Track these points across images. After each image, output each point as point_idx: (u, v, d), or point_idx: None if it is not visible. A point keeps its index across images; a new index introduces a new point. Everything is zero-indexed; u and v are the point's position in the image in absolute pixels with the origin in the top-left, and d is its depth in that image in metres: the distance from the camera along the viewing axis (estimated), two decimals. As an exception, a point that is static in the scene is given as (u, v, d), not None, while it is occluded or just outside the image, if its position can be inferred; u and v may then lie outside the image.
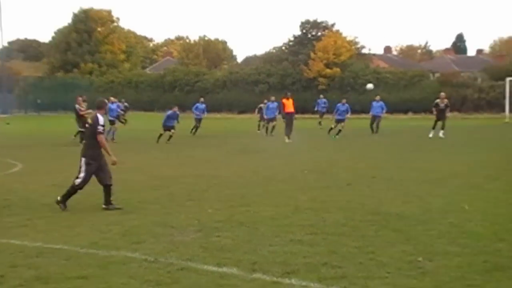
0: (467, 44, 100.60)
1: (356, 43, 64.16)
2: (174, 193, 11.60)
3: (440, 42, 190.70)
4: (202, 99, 31.62)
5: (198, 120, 30.35)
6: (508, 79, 44.65)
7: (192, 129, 29.75)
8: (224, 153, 20.50)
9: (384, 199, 10.81)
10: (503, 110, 44.39)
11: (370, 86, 31.95)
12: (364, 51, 66.15)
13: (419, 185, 12.51)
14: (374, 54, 70.59)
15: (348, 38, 62.68)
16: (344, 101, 29.92)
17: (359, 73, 58.54)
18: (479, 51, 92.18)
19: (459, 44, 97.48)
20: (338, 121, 28.60)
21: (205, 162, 17.62)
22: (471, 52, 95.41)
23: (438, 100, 27.52)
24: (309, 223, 8.70)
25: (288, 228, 8.40)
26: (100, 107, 10.47)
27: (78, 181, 10.04)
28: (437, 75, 61.44)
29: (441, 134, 26.43)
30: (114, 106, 27.11)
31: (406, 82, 57.76)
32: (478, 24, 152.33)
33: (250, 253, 7.07)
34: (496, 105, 50.09)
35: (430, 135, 26.62)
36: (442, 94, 28.26)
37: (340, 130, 27.89)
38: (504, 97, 44.61)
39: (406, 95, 54.68)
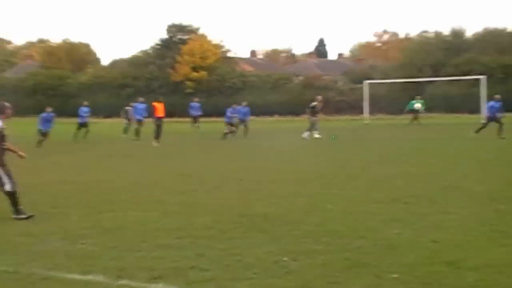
0: (328, 48, 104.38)
1: (222, 46, 64.77)
2: (37, 201, 11.13)
3: (303, 46, 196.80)
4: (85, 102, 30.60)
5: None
6: (366, 82, 46.81)
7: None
8: (91, 158, 20.00)
9: (251, 200, 10.96)
10: (363, 112, 46.42)
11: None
12: (230, 54, 66.92)
13: (285, 186, 12.80)
14: (240, 58, 71.60)
15: (214, 42, 63.12)
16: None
17: (226, 76, 59.17)
18: (340, 55, 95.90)
19: (320, 48, 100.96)
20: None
21: (70, 168, 17.09)
22: (332, 56, 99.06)
23: (315, 103, 28.64)
24: (177, 227, 8.65)
25: (156, 232, 8.31)
26: (2, 112, 9.94)
27: (7, 187, 9.49)
28: (300, 78, 63.23)
29: (316, 134, 27.50)
30: None
31: (272, 85, 59.07)
32: (338, 30, 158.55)
33: (117, 259, 6.93)
34: (356, 107, 52.29)
35: (304, 135, 27.59)
36: (319, 97, 29.58)
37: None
38: (363, 99, 46.66)
39: (271, 98, 55.86)
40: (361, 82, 49.45)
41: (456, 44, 58.83)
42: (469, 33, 62.14)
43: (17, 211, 9.60)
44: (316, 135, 27.67)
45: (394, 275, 6.05)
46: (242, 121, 30.32)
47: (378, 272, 6.18)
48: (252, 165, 17.07)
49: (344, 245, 7.40)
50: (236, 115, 29.77)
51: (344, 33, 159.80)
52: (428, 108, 42.05)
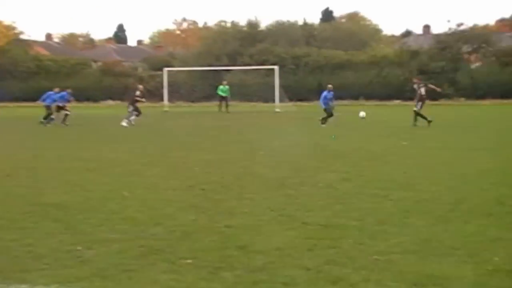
0: (128, 34, 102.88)
1: (14, 28, 61.28)
2: None
3: (102, 31, 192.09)
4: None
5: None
6: (165, 69, 46.91)
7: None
8: None
9: (45, 189, 10.55)
10: (162, 99, 46.49)
11: (362, 114, 30.04)
12: (23, 37, 63.55)
13: (82, 174, 12.48)
14: (34, 41, 68.26)
15: (5, 23, 59.53)
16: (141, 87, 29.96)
17: (18, 60, 56.07)
18: (140, 42, 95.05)
19: (120, 34, 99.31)
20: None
21: None
22: (132, 42, 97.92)
23: (139, 92, 28.97)
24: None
25: None
26: None
27: None
28: (99, 63, 61.80)
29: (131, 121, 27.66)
30: None
31: (68, 70, 57.15)
32: (138, 16, 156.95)
33: None
34: (156, 94, 52.24)
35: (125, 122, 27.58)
36: (141, 86, 29.91)
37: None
38: (162, 87, 46.72)
39: (68, 83, 53.80)
40: (160, 69, 49.46)
41: (252, 35, 60.92)
42: (263, 24, 64.57)
43: None
44: (124, 123, 27.23)
45: (188, 261, 6.17)
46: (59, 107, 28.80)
47: (173, 258, 6.26)
48: (48, 154, 16.40)
49: (139, 233, 7.39)
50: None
51: (144, 20, 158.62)
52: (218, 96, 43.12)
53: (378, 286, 5.40)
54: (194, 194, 10.08)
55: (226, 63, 54.07)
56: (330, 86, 27.21)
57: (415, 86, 26.35)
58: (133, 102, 28.53)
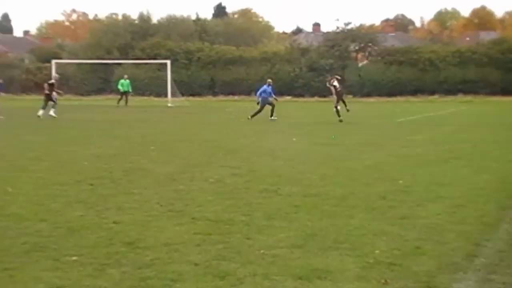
0: (14, 24, 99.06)
1: None
2: None
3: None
4: None
5: None
6: (54, 61, 45.40)
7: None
8: None
9: None
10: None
11: None
12: None
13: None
14: None
15: None
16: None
17: None
18: (26, 33, 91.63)
19: (5, 24, 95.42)
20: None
21: None
22: (18, 33, 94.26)
23: (53, 81, 29.48)
24: None
25: None
26: None
27: None
28: (-17, 53, 59.02)
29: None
30: None
31: None
32: (25, 6, 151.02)
33: None
34: (44, 87, 50.52)
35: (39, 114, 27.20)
36: (56, 75, 29.28)
37: None
38: (51, 79, 45.13)
39: None
40: (49, 61, 47.86)
41: (143, 28, 60.12)
42: (155, 18, 63.90)
43: None
44: (40, 113, 27.33)
45: (74, 258, 6.01)
46: None
47: (57, 256, 6.08)
48: None
49: (23, 229, 7.14)
50: None
51: (31, 10, 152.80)
52: (117, 91, 42.40)
53: (265, 280, 5.47)
54: (82, 189, 9.84)
55: (117, 56, 53.08)
56: (269, 80, 27.60)
57: (327, 84, 27.00)
58: (51, 91, 28.07)
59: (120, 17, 66.71)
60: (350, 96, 49.73)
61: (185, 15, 66.10)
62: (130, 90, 39.80)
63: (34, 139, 18.29)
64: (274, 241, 6.72)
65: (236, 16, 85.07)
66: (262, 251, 6.29)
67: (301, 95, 50.72)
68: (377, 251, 6.30)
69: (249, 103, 36.15)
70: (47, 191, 9.72)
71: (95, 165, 12.63)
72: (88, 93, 51.10)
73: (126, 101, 38.72)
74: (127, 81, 39.63)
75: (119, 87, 39.50)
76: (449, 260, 6.05)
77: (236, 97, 49.90)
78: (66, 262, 5.91)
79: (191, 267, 5.81)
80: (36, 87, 53.08)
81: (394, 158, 13.96)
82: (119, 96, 39.56)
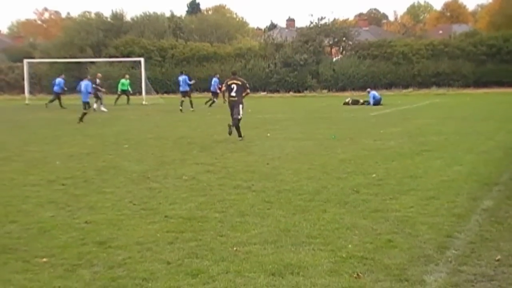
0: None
1: None
2: None
3: None
4: None
5: None
6: (26, 60, 44.87)
7: None
8: None
9: None
10: (23, 92, 44.49)
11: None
12: None
13: None
14: None
15: None
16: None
17: None
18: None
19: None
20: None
21: None
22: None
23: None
24: None
25: None
26: None
27: None
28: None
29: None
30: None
31: None
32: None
33: None
34: (16, 87, 50.06)
35: None
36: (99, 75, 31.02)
37: None
38: (23, 79, 44.73)
39: None
40: (21, 61, 47.30)
41: (117, 26, 59.68)
42: (129, 16, 63.50)
43: None
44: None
45: (44, 259, 5.95)
46: None
47: (27, 257, 6.02)
48: None
49: (-7, 231, 7.05)
50: None
51: (1, 9, 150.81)
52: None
53: (238, 277, 5.46)
54: (53, 190, 9.75)
55: (90, 55, 52.63)
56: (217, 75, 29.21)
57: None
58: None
59: (93, 15, 66.06)
60: (325, 90, 50.05)
61: (159, 12, 65.78)
62: (130, 90, 39.32)
63: (5, 139, 18.06)
64: (247, 237, 6.71)
65: (210, 12, 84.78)
66: (235, 248, 6.28)
67: (276, 91, 50.78)
68: (349, 246, 6.32)
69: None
70: (18, 191, 9.61)
71: (68, 165, 12.52)
72: (62, 92, 50.50)
73: (128, 100, 38.23)
74: (128, 80, 39.23)
75: (120, 86, 38.94)
76: (421, 252, 6.09)
77: (211, 94, 49.75)
78: (37, 263, 5.85)
79: (163, 265, 5.78)
80: (8, 87, 52.55)
81: (368, 151, 14.00)
82: (118, 96, 38.83)
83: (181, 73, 33.86)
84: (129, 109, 34.14)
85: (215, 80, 35.69)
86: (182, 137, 18.20)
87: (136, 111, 32.52)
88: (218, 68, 52.78)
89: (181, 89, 32.65)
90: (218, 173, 11.25)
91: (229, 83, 17.90)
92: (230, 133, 16.88)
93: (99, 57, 51.86)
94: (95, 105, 30.74)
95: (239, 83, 17.93)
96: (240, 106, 17.64)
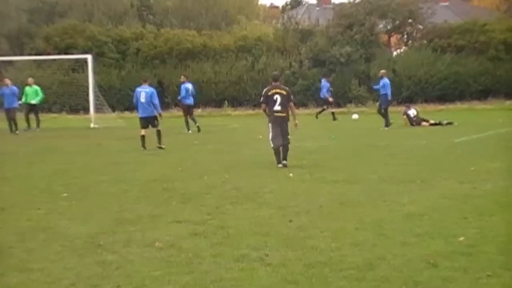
0: None
1: None
2: None
3: None
4: None
5: None
6: None
7: None
8: None
9: None
10: None
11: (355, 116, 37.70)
12: None
13: None
14: None
15: None
16: None
17: None
18: None
19: None
20: None
21: None
22: None
23: None
24: None
25: None
26: None
27: None
28: None
29: None
30: None
31: None
32: None
33: None
34: None
35: None
36: None
37: None
38: None
39: None
40: None
41: (48, 5, 60.90)
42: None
43: None
44: None
45: None
46: None
47: None
48: None
49: None
50: None
51: None
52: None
53: None
54: None
55: (6, 51, 53.38)
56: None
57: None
58: None
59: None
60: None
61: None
62: (36, 102, 39.12)
63: None
64: None
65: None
66: None
67: (302, 104, 50.90)
68: None
69: (223, 119, 36.16)
70: None
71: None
72: None
73: (36, 122, 38.36)
74: (35, 87, 39.07)
75: (24, 98, 38.73)
76: None
77: (199, 110, 50.02)
78: None
79: None
80: None
81: (450, 200, 13.95)
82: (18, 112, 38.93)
83: (184, 81, 35.32)
84: (69, 135, 34.23)
85: (325, 84, 41.51)
86: (155, 179, 18.23)
87: (80, 138, 32.64)
88: (210, 70, 53.10)
89: (187, 101, 34.04)
90: (211, 236, 11.24)
91: (270, 93, 19.27)
92: (284, 164, 19.53)
93: (21, 54, 52.20)
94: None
95: (284, 92, 19.44)
96: (288, 124, 19.41)
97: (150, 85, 29.16)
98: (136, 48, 54.93)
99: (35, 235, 11.76)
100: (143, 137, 26.45)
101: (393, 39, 56.89)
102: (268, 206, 13.98)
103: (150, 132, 26.31)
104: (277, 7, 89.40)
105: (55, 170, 20.78)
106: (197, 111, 49.85)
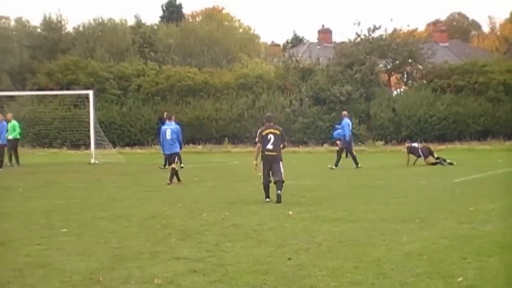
0: None
1: None
2: None
3: None
4: None
5: None
6: None
7: None
8: None
9: None
10: None
11: None
12: None
13: None
14: None
15: None
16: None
17: None
18: None
19: None
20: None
21: None
22: None
23: None
24: None
25: None
26: None
27: None
28: None
29: None
30: None
31: None
32: None
33: None
34: None
35: None
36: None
37: None
38: None
39: None
40: None
41: (51, 41, 61.47)
42: (70, 25, 64.68)
43: None
44: None
45: None
46: None
47: None
48: None
49: None
50: None
51: None
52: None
53: None
54: None
55: (8, 86, 53.62)
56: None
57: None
58: None
59: (12, 23, 66.79)
60: (380, 142, 50.16)
61: (117, 19, 66.59)
62: (13, 137, 38.60)
63: None
64: None
65: (198, 19, 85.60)
66: None
67: (302, 142, 50.98)
68: None
69: (223, 156, 36.12)
70: None
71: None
72: None
73: (15, 159, 38.23)
74: (14, 122, 38.63)
75: (10, 133, 38.43)
76: None
77: (200, 147, 50.14)
78: None
79: None
80: None
81: (450, 240, 13.94)
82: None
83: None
84: (70, 171, 34.24)
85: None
86: (154, 216, 18.22)
87: (80, 174, 32.64)
88: (210, 108, 53.27)
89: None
90: (210, 274, 11.22)
91: (264, 133, 20.11)
92: (277, 194, 20.04)
93: (23, 89, 52.31)
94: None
95: (277, 132, 20.24)
96: (281, 163, 20.18)
97: (176, 122, 29.54)
98: (138, 85, 55.15)
99: (34, 270, 11.74)
100: (174, 170, 27.58)
101: (393, 79, 57.08)
102: (267, 244, 13.97)
103: (151, 167, 26.29)
104: (278, 45, 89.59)
105: (55, 206, 20.79)
106: (198, 148, 50.19)
